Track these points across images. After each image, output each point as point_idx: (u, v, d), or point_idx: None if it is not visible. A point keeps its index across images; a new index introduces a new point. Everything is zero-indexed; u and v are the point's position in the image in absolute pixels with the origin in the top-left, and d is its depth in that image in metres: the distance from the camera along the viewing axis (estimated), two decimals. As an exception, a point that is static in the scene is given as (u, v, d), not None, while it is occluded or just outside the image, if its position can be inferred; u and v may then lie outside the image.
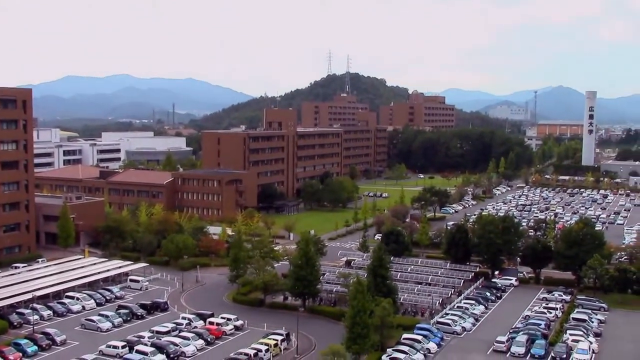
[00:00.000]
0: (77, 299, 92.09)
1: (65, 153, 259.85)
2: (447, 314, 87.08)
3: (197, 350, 75.65)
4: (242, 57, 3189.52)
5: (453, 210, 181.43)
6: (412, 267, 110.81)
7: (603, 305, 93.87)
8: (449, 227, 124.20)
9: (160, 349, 73.14)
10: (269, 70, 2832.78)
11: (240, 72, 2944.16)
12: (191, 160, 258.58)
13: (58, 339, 76.72)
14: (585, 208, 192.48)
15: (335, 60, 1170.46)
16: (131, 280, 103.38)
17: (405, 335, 77.13)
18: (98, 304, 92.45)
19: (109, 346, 74.28)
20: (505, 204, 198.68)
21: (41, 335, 76.72)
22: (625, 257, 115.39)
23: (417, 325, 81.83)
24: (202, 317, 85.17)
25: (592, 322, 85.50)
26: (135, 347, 73.20)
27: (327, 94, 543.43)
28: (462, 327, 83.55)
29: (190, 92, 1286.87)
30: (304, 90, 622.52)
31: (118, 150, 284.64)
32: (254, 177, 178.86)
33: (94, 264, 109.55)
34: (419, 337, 77.02)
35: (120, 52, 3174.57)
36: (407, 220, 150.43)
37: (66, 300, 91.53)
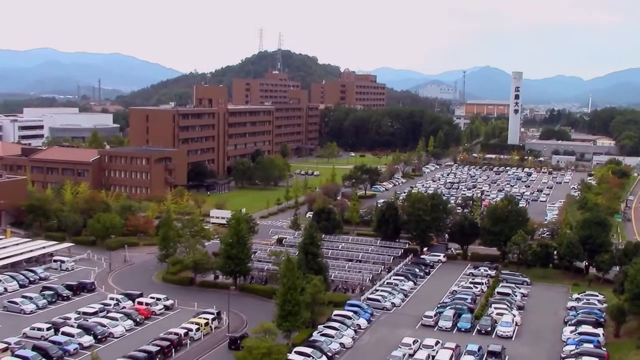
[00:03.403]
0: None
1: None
2: (377, 290, 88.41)
3: (126, 330, 74.42)
4: (171, 32, 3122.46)
5: (383, 188, 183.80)
6: (343, 244, 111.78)
7: (526, 279, 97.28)
8: (379, 205, 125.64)
9: (87, 330, 71.68)
10: (199, 46, 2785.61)
11: (169, 47, 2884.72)
12: (118, 137, 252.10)
13: (-22, 323, 74.03)
14: (510, 186, 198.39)
15: (266, 37, 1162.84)
16: (56, 261, 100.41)
17: (336, 312, 77.94)
18: (21, 286, 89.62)
19: (33, 328, 72.27)
20: (434, 181, 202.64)
21: (-41, 319, 73.89)
22: (547, 233, 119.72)
23: (348, 301, 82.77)
24: (131, 297, 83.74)
25: (516, 295, 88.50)
26: (61, 329, 71.49)
27: (258, 71, 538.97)
28: (392, 302, 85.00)
29: (116, 68, 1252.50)
30: (235, 67, 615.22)
31: (41, 127, 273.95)
32: (184, 155, 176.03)
33: (17, 244, 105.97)
34: (350, 314, 77.99)
35: (42, 25, 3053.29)
36: (338, 198, 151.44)
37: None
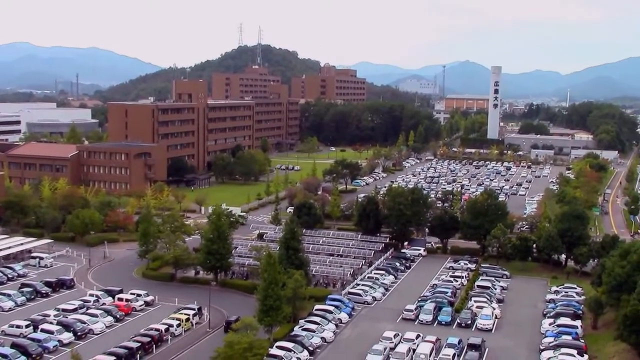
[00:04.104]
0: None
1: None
2: (358, 285, 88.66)
3: (106, 327, 74.02)
4: (150, 26, 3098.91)
5: (364, 183, 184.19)
6: (324, 239, 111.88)
7: (505, 272, 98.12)
8: (359, 200, 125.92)
9: (66, 327, 71.15)
10: (179, 40, 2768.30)
11: (148, 41, 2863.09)
12: (97, 132, 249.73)
13: (-45, 321, 73.09)
14: (490, 180, 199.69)
15: (246, 31, 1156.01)
16: (34, 257, 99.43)
17: (317, 307, 78.06)
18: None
19: (11, 326, 71.64)
20: (414, 176, 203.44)
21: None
22: (526, 226, 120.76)
23: (329, 296, 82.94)
24: (111, 293, 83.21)
25: (495, 289, 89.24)
26: (40, 326, 70.93)
27: (238, 66, 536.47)
28: (373, 297, 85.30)
29: (95, 62, 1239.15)
30: (215, 62, 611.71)
31: (18, 122, 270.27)
32: (164, 150, 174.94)
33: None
34: (331, 308, 78.16)
35: (18, 20, 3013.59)
36: (319, 192, 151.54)
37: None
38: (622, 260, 71.71)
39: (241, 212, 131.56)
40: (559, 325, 73.80)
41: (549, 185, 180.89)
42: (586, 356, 66.06)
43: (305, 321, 73.68)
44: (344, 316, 77.71)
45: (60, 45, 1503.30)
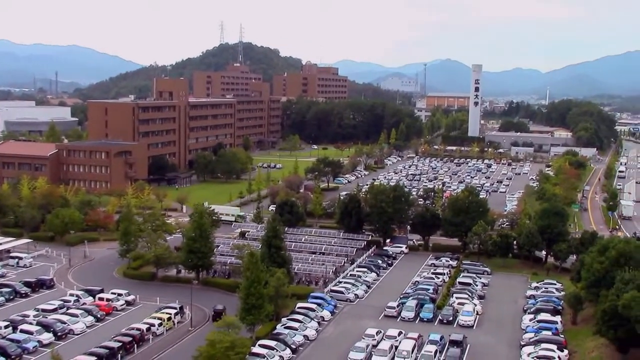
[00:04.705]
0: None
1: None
2: (340, 282, 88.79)
3: (87, 327, 73.44)
4: (130, 24, 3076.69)
5: (346, 181, 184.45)
6: (306, 237, 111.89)
7: (486, 269, 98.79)
8: (342, 197, 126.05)
9: (46, 327, 70.48)
10: (159, 38, 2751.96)
11: (129, 39, 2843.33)
12: (77, 131, 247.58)
13: None
14: (471, 177, 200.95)
15: (227, 29, 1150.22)
16: (13, 257, 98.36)
17: (299, 304, 78.07)
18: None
19: (-10, 327, 70.62)
20: (396, 173, 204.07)
21: None
22: (507, 223, 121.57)
23: (311, 294, 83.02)
24: (91, 293, 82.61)
25: (477, 285, 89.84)
26: (20, 327, 70.16)
27: (219, 64, 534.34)
28: (355, 294, 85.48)
29: (74, 60, 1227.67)
30: (196, 60, 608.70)
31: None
32: (144, 148, 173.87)
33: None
34: (313, 306, 78.21)
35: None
36: (301, 190, 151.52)
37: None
38: (601, 256, 72.44)
39: (240, 212, 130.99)
40: (539, 321, 74.52)
41: (529, 182, 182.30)
42: (566, 351, 66.74)
43: (287, 319, 73.66)
44: (326, 314, 77.79)
45: (40, 43, 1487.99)
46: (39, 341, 67.84)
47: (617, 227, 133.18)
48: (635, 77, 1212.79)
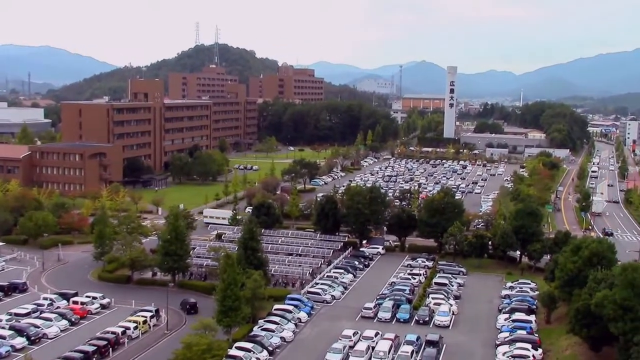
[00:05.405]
0: None
1: None
2: (317, 284, 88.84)
3: (61, 331, 72.56)
4: (105, 24, 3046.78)
5: (322, 182, 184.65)
6: (283, 238, 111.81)
7: (462, 269, 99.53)
8: (318, 199, 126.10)
9: (19, 331, 69.53)
10: (134, 39, 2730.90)
11: (103, 40, 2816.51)
12: (50, 133, 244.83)
13: None
14: (447, 178, 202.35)
15: (203, 30, 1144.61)
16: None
17: (276, 306, 77.97)
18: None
19: (-39, 332, 69.51)
20: (372, 175, 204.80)
21: None
22: (482, 224, 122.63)
23: (288, 295, 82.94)
24: (66, 296, 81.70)
25: (452, 285, 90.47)
26: (-8, 332, 69.03)
27: (195, 65, 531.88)
28: (332, 295, 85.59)
29: (47, 61, 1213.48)
30: (171, 61, 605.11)
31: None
32: (119, 150, 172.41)
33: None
34: (290, 308, 78.15)
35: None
36: (278, 192, 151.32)
37: None
38: (574, 255, 73.35)
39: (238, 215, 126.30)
40: (514, 320, 75.28)
41: (503, 183, 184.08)
42: (540, 350, 67.48)
43: (264, 321, 73.52)
44: (303, 315, 77.78)
45: (11, 44, 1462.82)
46: (12, 346, 66.86)
47: (589, 227, 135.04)
48: (607, 79, 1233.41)
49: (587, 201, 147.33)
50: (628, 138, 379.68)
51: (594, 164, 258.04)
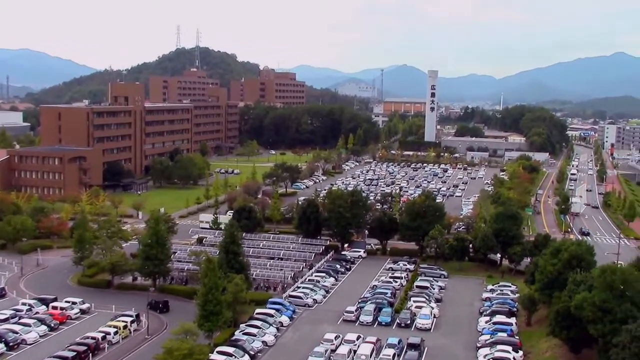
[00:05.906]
0: None
1: None
2: (298, 288, 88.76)
3: (40, 336, 71.74)
4: (85, 27, 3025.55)
5: (304, 186, 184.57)
6: (264, 242, 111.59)
7: (443, 272, 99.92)
8: (300, 203, 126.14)
9: (-3, 338, 68.56)
10: (114, 42, 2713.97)
11: (83, 43, 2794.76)
12: (29, 136, 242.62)
13: None
14: (428, 182, 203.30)
15: (184, 33, 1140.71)
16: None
17: (258, 310, 77.78)
18: None
19: (-63, 339, 68.46)
20: (354, 178, 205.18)
21: None
22: (463, 227, 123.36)
23: (270, 299, 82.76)
24: (45, 302, 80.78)
25: (434, 288, 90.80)
26: (-31, 338, 68.08)
27: (176, 68, 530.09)
28: (314, 299, 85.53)
29: (26, 64, 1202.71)
30: (152, 64, 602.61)
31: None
32: (99, 154, 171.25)
33: None
34: (272, 312, 77.98)
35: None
36: (259, 196, 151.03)
37: None
38: (554, 258, 73.96)
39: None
40: (494, 323, 75.69)
41: (484, 186, 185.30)
42: (521, 352, 67.92)
43: (246, 325, 73.26)
44: (285, 319, 77.62)
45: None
46: (-11, 352, 66.09)
47: (569, 229, 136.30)
48: (586, 83, 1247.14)
49: (567, 204, 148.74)
50: (606, 141, 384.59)
51: (573, 166, 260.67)
